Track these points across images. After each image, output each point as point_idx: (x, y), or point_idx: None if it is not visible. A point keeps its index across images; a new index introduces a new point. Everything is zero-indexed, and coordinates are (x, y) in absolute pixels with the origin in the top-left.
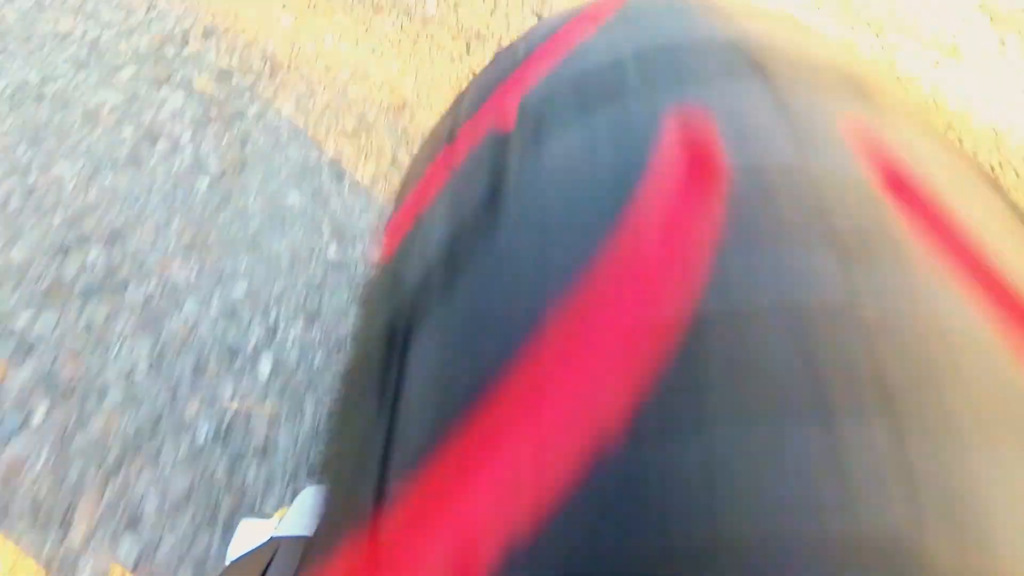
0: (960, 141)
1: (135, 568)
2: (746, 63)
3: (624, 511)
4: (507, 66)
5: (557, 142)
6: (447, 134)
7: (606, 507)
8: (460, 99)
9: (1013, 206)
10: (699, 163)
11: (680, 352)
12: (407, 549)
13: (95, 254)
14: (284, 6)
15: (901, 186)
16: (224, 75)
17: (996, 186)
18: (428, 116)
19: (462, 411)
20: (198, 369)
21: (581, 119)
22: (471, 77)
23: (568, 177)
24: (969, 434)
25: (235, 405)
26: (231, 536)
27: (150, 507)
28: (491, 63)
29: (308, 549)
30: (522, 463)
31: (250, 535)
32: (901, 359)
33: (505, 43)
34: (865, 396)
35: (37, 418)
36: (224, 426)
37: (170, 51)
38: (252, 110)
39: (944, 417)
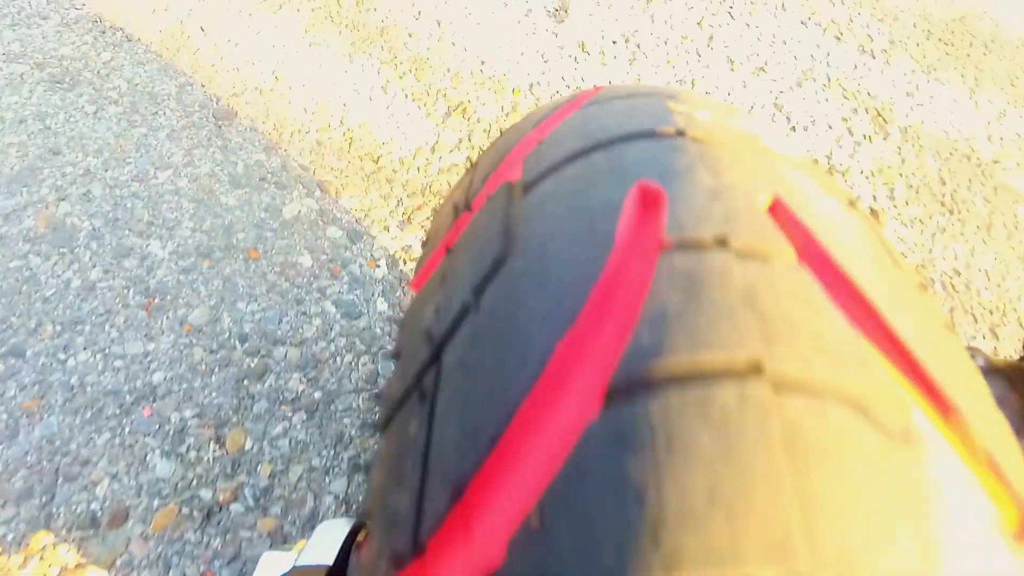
0: None
1: None
2: (686, 147)
3: None
4: (511, 141)
5: (552, 186)
6: (464, 202)
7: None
8: (472, 170)
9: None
10: (651, 232)
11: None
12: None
13: None
14: None
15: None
16: None
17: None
18: None
19: (490, 431)
20: None
21: (567, 170)
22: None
23: (564, 216)
24: None
25: None
26: None
27: None
28: (496, 143)
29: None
30: (535, 468)
31: (272, 566)
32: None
33: None
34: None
35: None
36: None
37: None
38: None
39: None
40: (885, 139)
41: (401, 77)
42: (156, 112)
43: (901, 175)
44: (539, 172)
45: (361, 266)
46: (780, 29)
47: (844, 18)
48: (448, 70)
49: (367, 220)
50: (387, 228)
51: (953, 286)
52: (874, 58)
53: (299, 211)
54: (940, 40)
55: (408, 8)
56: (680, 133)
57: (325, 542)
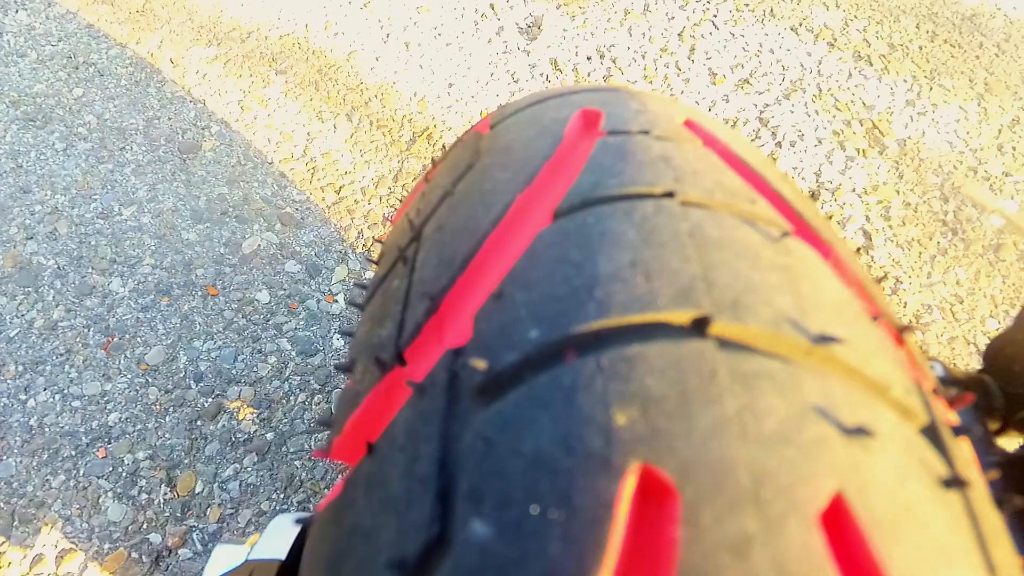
0: None
1: None
2: (714, 365)
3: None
4: (465, 246)
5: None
6: (400, 323)
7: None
8: (416, 242)
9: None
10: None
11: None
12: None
13: None
14: None
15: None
16: None
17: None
18: None
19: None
20: None
21: (533, 390)
22: None
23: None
24: None
25: None
26: None
27: None
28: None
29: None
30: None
31: (225, 559)
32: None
33: None
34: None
35: None
36: None
37: None
38: None
39: None
40: (881, 153)
41: (367, 103)
42: (123, 147)
43: (898, 192)
44: (495, 371)
45: (319, 301)
46: (768, 37)
47: (838, 23)
48: (415, 94)
49: (326, 253)
50: (346, 261)
51: (954, 314)
52: (871, 64)
53: (259, 245)
54: (946, 42)
55: (377, 31)
56: (701, 323)
57: (278, 536)
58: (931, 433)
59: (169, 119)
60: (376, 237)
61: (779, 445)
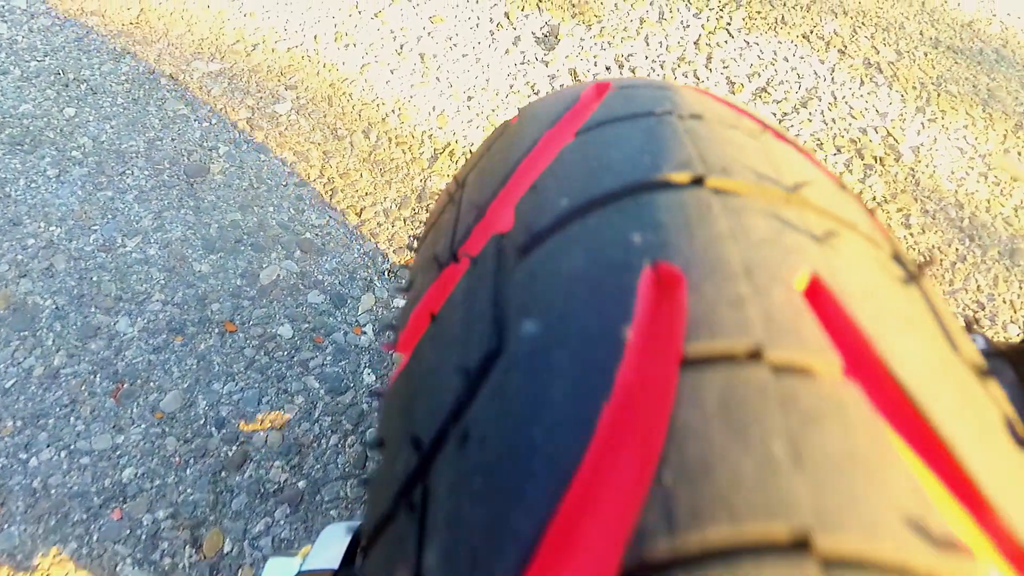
0: None
1: None
2: (709, 203)
3: None
4: (498, 175)
5: (549, 256)
6: (447, 253)
7: None
8: (455, 205)
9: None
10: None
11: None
12: None
13: None
14: None
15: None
16: None
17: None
18: None
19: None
20: None
21: (567, 234)
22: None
23: (564, 305)
24: None
25: None
26: None
27: None
28: (480, 168)
29: None
30: None
31: (278, 571)
32: None
33: None
34: None
35: None
36: None
37: None
38: None
39: None
40: (897, 160)
41: (384, 119)
42: (123, 172)
43: (916, 199)
44: (534, 232)
45: (346, 333)
46: (781, 45)
47: (847, 30)
48: (433, 108)
49: (351, 282)
50: (372, 289)
51: (977, 320)
52: (881, 71)
53: (278, 275)
54: (949, 48)
55: (390, 42)
56: (698, 181)
57: (330, 546)
58: (898, 260)
59: (172, 140)
60: (403, 262)
61: (764, 246)
